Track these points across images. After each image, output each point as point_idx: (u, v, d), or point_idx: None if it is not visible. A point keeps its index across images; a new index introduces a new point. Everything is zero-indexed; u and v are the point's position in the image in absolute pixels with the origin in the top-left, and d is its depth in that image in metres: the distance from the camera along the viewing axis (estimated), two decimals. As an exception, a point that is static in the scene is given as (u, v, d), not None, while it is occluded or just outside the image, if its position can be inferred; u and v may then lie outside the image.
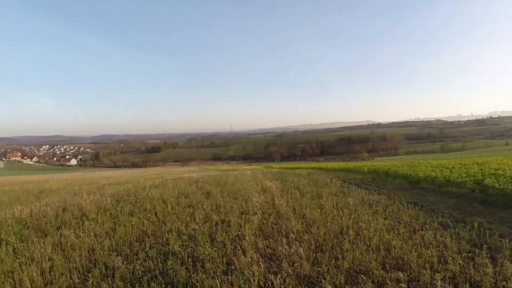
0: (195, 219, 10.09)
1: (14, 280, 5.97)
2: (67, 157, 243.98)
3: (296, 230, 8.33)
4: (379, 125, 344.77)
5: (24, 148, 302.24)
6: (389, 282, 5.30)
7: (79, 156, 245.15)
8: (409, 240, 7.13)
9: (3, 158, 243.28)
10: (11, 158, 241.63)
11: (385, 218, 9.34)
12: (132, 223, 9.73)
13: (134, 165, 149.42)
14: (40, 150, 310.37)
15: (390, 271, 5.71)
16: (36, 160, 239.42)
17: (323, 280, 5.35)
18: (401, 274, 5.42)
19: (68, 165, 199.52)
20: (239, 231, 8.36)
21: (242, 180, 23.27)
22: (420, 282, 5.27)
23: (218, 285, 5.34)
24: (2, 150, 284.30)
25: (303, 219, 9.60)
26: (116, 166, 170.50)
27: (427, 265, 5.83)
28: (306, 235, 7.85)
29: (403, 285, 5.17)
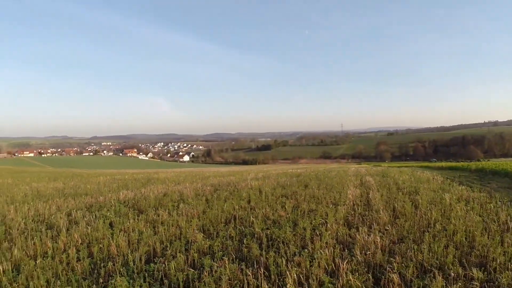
0: (285, 207, 11.39)
1: (103, 245, 7.64)
2: (180, 153, 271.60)
3: (382, 221, 9.12)
4: (495, 123, 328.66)
5: (140, 145, 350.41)
6: (462, 279, 5.56)
7: (192, 153, 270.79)
8: (498, 239, 7.23)
9: (120, 154, 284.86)
10: (127, 154, 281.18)
11: (480, 215, 9.68)
12: (224, 207, 11.47)
13: (244, 163, 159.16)
14: (155, 147, 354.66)
15: (467, 268, 5.93)
16: (151, 156, 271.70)
17: (391, 270, 5.82)
18: (477, 273, 5.59)
19: (181, 161, 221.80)
20: (324, 220, 9.38)
21: (342, 175, 25.29)
22: (497, 283, 5.44)
23: (284, 262, 6.18)
24: (119, 147, 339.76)
25: (393, 212, 10.50)
26: (227, 163, 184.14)
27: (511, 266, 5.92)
28: (390, 227, 8.54)
29: (475, 283, 5.36)
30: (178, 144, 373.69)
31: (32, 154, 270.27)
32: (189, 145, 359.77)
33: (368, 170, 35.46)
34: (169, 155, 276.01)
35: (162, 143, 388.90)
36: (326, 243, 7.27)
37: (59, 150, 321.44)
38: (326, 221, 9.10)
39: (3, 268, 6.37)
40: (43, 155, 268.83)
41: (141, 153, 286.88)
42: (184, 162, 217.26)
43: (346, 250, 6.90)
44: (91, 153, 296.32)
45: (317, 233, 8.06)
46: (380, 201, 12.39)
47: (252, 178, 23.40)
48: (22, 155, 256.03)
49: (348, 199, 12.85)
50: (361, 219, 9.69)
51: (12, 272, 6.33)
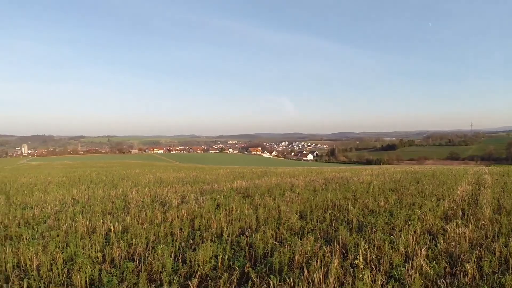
0: (387, 199, 11.78)
1: (205, 219, 8.85)
2: (304, 152, 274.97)
3: (482, 216, 8.99)
4: None
5: (265, 143, 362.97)
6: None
7: (315, 152, 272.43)
8: None
9: (245, 152, 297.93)
10: (252, 152, 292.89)
11: None
12: (327, 197, 12.22)
13: (368, 162, 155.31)
14: (279, 146, 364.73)
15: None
16: (275, 154, 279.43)
17: (469, 261, 5.80)
18: None
19: (304, 160, 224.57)
20: (421, 212, 9.52)
21: (461, 173, 24.71)
22: None
23: (362, 241, 6.63)
24: (245, 145, 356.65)
25: (498, 208, 10.29)
26: (350, 162, 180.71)
27: None
28: (488, 222, 8.44)
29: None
30: (302, 143, 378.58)
31: (161, 151, 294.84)
32: (313, 144, 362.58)
33: (491, 170, 33.61)
34: (293, 153, 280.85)
35: (286, 142, 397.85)
36: (414, 232, 7.50)
37: (187, 147, 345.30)
38: (423, 213, 9.24)
39: (114, 228, 8.06)
40: (171, 152, 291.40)
41: (265, 152, 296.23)
42: (308, 161, 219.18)
43: (432, 240, 7.05)
44: (217, 151, 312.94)
45: (409, 223, 8.32)
46: (489, 198, 12.11)
47: (367, 174, 23.77)
48: (152, 152, 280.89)
49: (456, 194, 12.87)
50: (460, 213, 9.70)
51: (121, 232, 7.82)
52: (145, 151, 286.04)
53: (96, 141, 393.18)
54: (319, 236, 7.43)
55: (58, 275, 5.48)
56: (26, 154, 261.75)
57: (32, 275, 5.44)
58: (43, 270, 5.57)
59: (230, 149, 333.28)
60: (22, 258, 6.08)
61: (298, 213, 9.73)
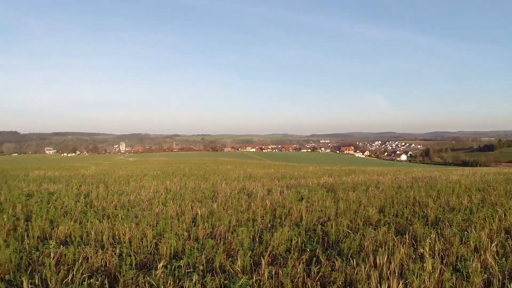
0: (471, 198, 11.50)
1: (286, 209, 9.50)
2: (398, 152, 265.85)
3: None
4: None
5: (357, 143, 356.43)
6: None
7: (409, 152, 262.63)
8: None
9: (337, 151, 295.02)
10: (344, 151, 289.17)
11: None
12: (410, 194, 12.25)
13: (464, 164, 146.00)
14: (372, 145, 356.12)
15: None
16: (368, 154, 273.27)
17: None
18: None
19: (397, 160, 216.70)
20: (503, 211, 9.18)
21: None
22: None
23: (434, 234, 6.84)
24: (337, 144, 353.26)
25: None
26: (445, 163, 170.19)
27: None
28: None
29: None
30: (396, 142, 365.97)
31: (253, 149, 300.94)
32: (407, 144, 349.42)
33: None
34: (386, 153, 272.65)
35: (379, 142, 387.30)
36: (490, 229, 7.44)
37: (279, 146, 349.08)
38: (504, 212, 8.96)
39: (201, 213, 8.98)
40: (263, 151, 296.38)
41: (357, 151, 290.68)
42: (401, 161, 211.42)
43: (508, 239, 6.82)
44: (309, 150, 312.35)
45: (487, 221, 8.15)
46: None
47: (456, 174, 22.95)
48: (244, 150, 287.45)
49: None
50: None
51: (207, 217, 8.68)
52: (238, 149, 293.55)
53: (190, 139, 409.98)
54: (392, 228, 7.62)
55: (147, 246, 6.30)
56: (123, 151, 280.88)
57: (124, 245, 6.29)
58: (134, 242, 6.42)
59: (322, 148, 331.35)
60: (116, 232, 7.05)
61: (378, 208, 9.90)
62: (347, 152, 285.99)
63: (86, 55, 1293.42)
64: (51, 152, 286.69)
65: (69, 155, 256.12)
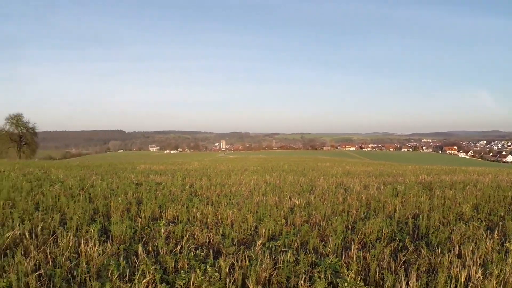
0: None
1: (383, 203, 9.66)
2: (504, 153, 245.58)
3: None
4: None
5: (461, 142, 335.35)
6: None
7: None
8: None
9: (439, 151, 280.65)
10: (447, 151, 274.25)
11: None
12: (509, 193, 11.97)
13: None
14: (477, 145, 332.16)
15: None
16: (471, 154, 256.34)
17: None
18: None
19: (503, 161, 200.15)
20: None
21: None
22: None
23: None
24: (439, 143, 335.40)
25: None
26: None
27: None
28: None
29: None
30: (502, 142, 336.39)
31: (353, 148, 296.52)
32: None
33: None
34: (491, 154, 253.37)
35: (484, 141, 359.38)
36: None
37: (379, 145, 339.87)
38: None
39: (298, 203, 9.60)
40: (363, 150, 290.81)
41: (461, 151, 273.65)
42: (507, 162, 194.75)
43: None
44: (410, 149, 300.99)
45: None
46: None
47: None
48: (344, 149, 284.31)
49: None
50: None
51: (304, 207, 9.21)
52: (337, 148, 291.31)
53: (289, 138, 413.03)
54: (484, 224, 7.54)
55: (247, 228, 6.91)
56: (223, 149, 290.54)
57: (227, 226, 6.93)
58: (236, 224, 7.08)
59: (424, 148, 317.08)
60: (219, 216, 7.82)
61: (472, 205, 9.75)
62: (450, 152, 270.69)
63: (184, 57, 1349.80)
64: (154, 149, 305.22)
65: (172, 152, 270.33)
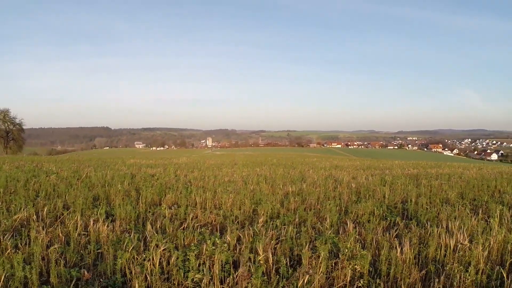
0: None
1: (372, 191, 10.12)
2: (488, 151, 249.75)
3: None
4: None
5: (446, 140, 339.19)
6: None
7: (501, 151, 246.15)
8: None
9: (425, 149, 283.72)
10: (432, 149, 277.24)
11: None
12: (491, 183, 12.64)
13: None
14: (462, 144, 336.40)
15: None
16: (456, 152, 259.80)
17: None
18: None
19: (488, 160, 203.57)
20: None
21: None
22: None
23: (506, 210, 7.36)
24: (425, 141, 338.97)
25: None
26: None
27: None
28: None
29: None
30: (487, 141, 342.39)
31: (339, 146, 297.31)
32: (499, 143, 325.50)
33: None
34: (475, 152, 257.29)
35: (469, 139, 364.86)
36: None
37: (365, 143, 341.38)
38: None
39: (292, 190, 10.21)
40: (349, 147, 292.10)
41: (446, 149, 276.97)
42: (492, 160, 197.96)
43: None
44: (396, 147, 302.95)
45: None
46: None
47: None
48: (330, 146, 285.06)
49: None
50: None
51: (297, 194, 9.77)
52: (323, 145, 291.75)
53: (275, 135, 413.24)
54: (468, 206, 8.06)
55: (246, 210, 7.41)
56: (210, 146, 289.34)
57: (226, 210, 7.35)
58: (235, 208, 7.53)
59: (410, 145, 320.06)
60: (218, 201, 8.24)
61: (458, 193, 10.25)
62: (435, 150, 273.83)
63: (172, 55, 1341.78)
64: (140, 146, 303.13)
65: (158, 149, 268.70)
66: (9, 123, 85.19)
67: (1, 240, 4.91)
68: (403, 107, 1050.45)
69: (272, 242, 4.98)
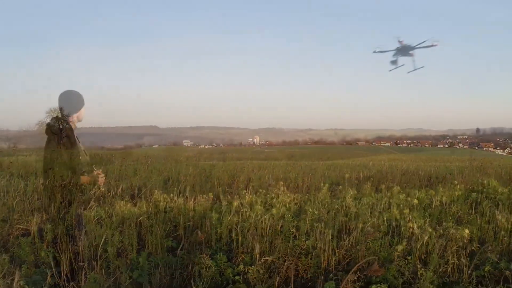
0: None
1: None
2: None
3: None
4: None
5: (497, 139, 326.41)
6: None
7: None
8: None
9: (476, 147, 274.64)
10: (484, 148, 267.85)
11: None
12: None
13: None
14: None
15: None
16: (509, 151, 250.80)
17: None
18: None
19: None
20: None
21: None
22: None
23: None
24: (475, 140, 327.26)
25: None
26: None
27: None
28: None
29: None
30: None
31: (388, 144, 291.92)
32: None
33: None
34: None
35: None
36: None
37: (414, 141, 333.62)
38: None
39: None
40: (398, 145, 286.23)
41: (498, 148, 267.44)
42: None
43: None
44: (446, 145, 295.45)
45: None
46: None
47: None
48: (378, 144, 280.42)
49: None
50: None
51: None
52: (372, 144, 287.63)
53: (323, 133, 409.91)
54: None
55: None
56: (258, 144, 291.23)
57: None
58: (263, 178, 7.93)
59: (460, 144, 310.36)
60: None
61: None
62: (487, 148, 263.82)
63: (218, 53, 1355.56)
64: (189, 144, 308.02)
65: (206, 146, 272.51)
66: (62, 121, 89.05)
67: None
68: (453, 105, 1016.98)
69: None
